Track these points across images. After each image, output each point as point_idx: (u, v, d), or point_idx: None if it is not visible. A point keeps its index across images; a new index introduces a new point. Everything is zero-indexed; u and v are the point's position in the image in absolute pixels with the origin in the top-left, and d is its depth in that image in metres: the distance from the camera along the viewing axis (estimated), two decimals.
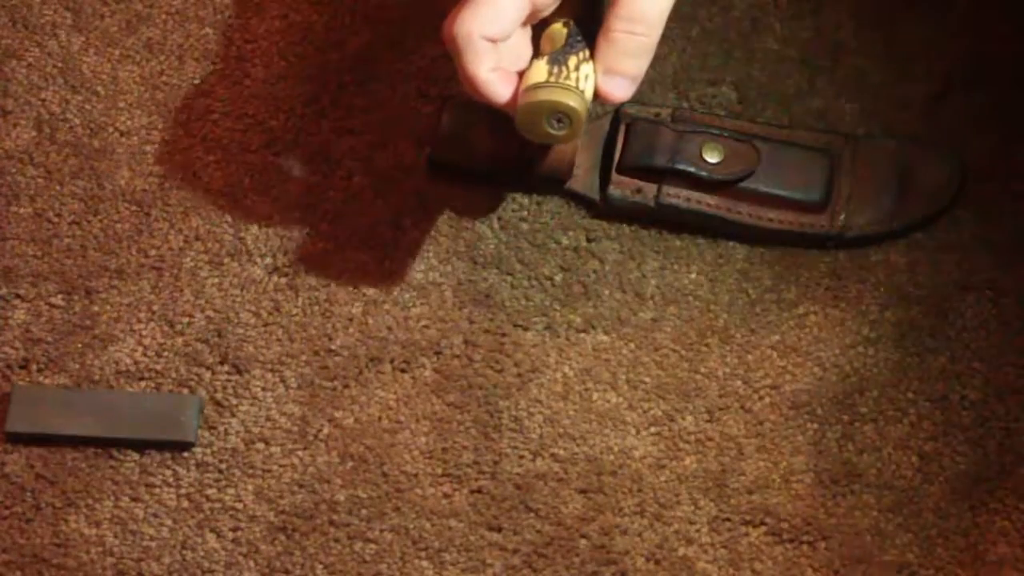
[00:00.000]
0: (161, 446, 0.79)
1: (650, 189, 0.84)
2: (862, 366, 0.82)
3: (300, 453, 0.79)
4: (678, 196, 0.84)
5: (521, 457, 0.80)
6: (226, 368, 0.82)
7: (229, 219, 0.86)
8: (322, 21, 0.94)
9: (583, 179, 0.85)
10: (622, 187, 0.84)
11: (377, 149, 0.89)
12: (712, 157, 0.83)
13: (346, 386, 0.81)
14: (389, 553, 0.76)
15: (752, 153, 0.83)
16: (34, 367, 0.81)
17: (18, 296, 0.83)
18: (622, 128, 0.85)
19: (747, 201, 0.84)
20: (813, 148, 0.85)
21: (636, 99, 0.89)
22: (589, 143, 0.85)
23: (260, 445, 0.80)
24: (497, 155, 0.85)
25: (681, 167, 0.83)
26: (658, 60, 0.92)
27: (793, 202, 0.84)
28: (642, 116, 0.85)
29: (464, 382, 0.82)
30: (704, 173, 0.83)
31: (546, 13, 0.74)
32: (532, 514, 0.78)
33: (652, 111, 0.86)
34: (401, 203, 0.87)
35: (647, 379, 0.82)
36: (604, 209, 0.85)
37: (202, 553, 0.76)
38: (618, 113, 0.86)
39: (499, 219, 0.87)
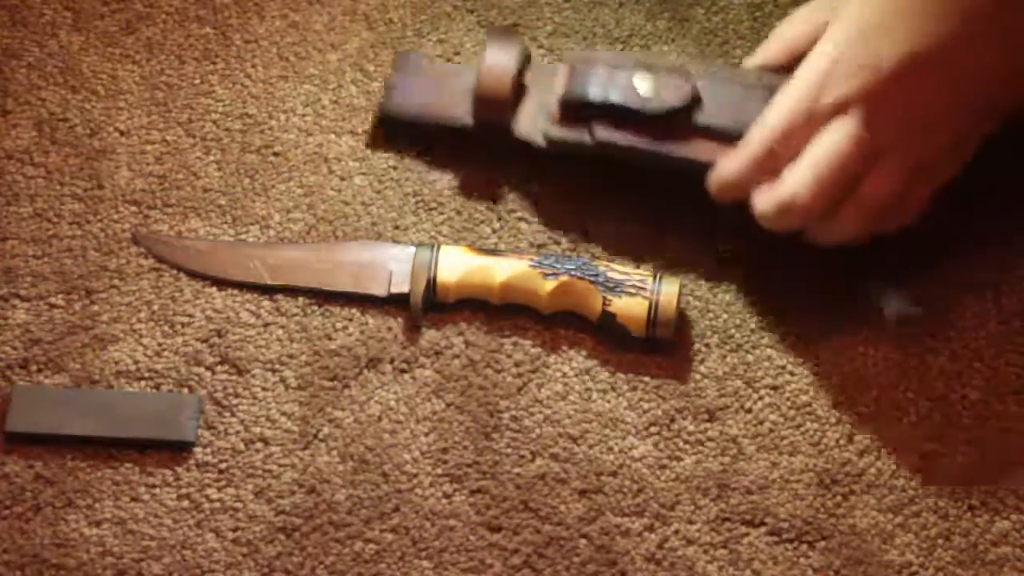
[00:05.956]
0: (161, 446, 0.79)
1: (587, 126, 0.82)
2: (862, 366, 0.82)
3: (300, 453, 0.79)
4: (615, 132, 0.81)
5: (521, 457, 0.80)
6: (226, 368, 0.82)
7: (229, 219, 0.86)
8: (322, 21, 0.94)
9: (526, 123, 0.85)
10: (560, 126, 0.83)
11: (376, 149, 0.89)
12: (643, 88, 0.80)
13: (346, 386, 0.81)
14: (389, 553, 0.76)
15: (684, 84, 0.80)
16: (34, 367, 0.81)
17: (18, 296, 0.83)
18: (564, 70, 0.84)
19: (690, 137, 0.81)
20: (756, 84, 0.81)
21: (586, 47, 0.88)
22: (533, 89, 0.85)
23: (260, 445, 0.80)
24: (440, 106, 0.86)
25: (613, 100, 0.81)
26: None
27: (738, 137, 0.79)
28: (583, 57, 0.83)
29: (464, 382, 0.82)
30: (637, 105, 0.80)
31: None
32: (532, 514, 0.78)
33: (597, 54, 0.84)
34: (401, 203, 0.87)
35: (647, 379, 0.82)
36: (547, 151, 0.84)
37: (202, 553, 0.76)
38: (563, 58, 0.85)
39: (499, 219, 0.87)
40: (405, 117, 0.88)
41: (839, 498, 0.78)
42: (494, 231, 0.86)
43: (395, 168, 0.89)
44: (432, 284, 0.82)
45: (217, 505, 0.77)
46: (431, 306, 0.83)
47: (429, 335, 0.83)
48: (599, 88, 0.81)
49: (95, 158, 0.88)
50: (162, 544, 0.76)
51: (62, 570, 0.75)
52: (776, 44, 0.81)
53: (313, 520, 0.77)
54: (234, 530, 0.77)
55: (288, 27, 0.94)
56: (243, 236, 0.86)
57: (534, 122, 0.84)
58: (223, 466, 0.79)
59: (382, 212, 0.87)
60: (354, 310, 0.84)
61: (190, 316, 0.83)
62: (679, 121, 0.81)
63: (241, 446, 0.79)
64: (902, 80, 0.73)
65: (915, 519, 0.78)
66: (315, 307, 0.83)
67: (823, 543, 0.77)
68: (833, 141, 0.75)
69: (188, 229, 0.86)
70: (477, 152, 0.87)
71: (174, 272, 0.84)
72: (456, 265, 0.82)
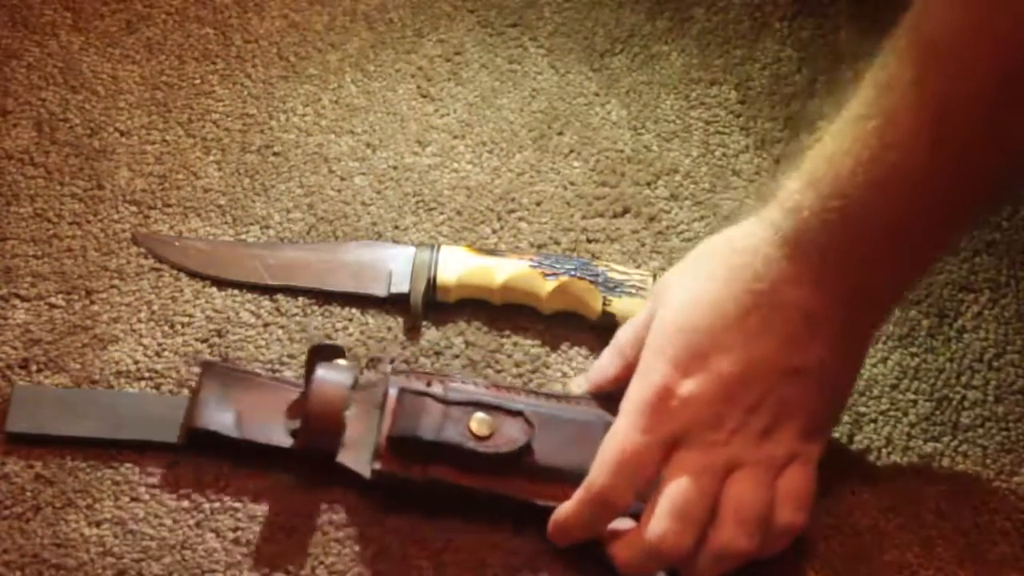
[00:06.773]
0: (161, 447, 0.79)
1: (418, 463, 0.76)
2: (862, 366, 0.82)
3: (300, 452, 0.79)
4: (447, 472, 0.76)
5: None
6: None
7: (229, 219, 0.86)
8: (322, 21, 0.94)
9: (353, 451, 0.77)
10: (389, 462, 0.76)
11: (377, 149, 0.89)
12: (481, 431, 0.75)
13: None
14: (389, 553, 0.76)
15: (524, 426, 0.76)
16: (34, 367, 0.81)
17: (18, 296, 0.83)
18: (392, 398, 0.77)
19: (527, 477, 0.76)
20: (592, 421, 0.77)
21: (407, 368, 0.81)
22: (361, 413, 0.77)
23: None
24: (255, 423, 0.78)
25: (447, 441, 0.75)
26: (659, 60, 0.92)
27: (571, 475, 0.75)
28: (411, 386, 0.77)
29: None
30: (472, 446, 0.75)
31: None
32: (532, 513, 0.78)
33: (424, 381, 0.78)
34: (401, 203, 0.87)
35: None
36: (373, 483, 0.77)
37: (202, 553, 0.76)
38: (389, 382, 0.78)
39: (499, 219, 0.87)
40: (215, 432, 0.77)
41: (839, 498, 0.78)
42: (494, 231, 0.87)
43: (395, 168, 0.89)
44: (432, 284, 0.82)
45: (217, 505, 0.77)
46: (431, 306, 0.83)
47: (429, 335, 0.83)
48: (433, 429, 0.75)
49: (95, 158, 0.88)
50: (162, 544, 0.76)
51: (62, 570, 0.75)
52: (597, 375, 0.78)
53: (313, 520, 0.77)
54: (234, 530, 0.77)
55: (288, 27, 0.94)
56: (243, 236, 0.86)
57: (362, 452, 0.77)
58: (223, 466, 0.79)
59: (382, 212, 0.87)
60: (354, 310, 0.83)
61: (190, 316, 0.83)
62: (515, 461, 0.76)
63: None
64: (730, 395, 0.71)
65: (915, 519, 0.78)
66: (315, 307, 0.83)
67: (823, 543, 0.77)
68: (681, 471, 0.71)
69: (188, 229, 0.86)
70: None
71: (174, 272, 0.84)
72: (456, 265, 0.82)
